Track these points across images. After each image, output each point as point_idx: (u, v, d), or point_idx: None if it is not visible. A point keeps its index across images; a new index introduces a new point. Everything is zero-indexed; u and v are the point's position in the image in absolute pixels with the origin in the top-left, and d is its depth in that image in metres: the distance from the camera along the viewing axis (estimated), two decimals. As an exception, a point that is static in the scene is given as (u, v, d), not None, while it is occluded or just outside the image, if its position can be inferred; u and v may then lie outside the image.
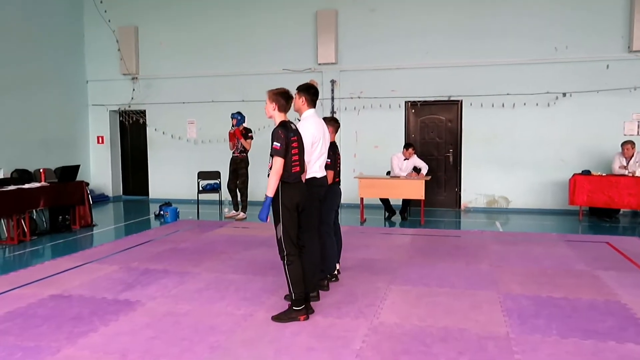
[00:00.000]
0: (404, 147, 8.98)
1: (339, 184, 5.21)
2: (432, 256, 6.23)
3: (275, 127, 3.98)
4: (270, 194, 3.87)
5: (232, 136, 9.01)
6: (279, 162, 3.85)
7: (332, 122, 5.07)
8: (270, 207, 3.92)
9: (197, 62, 11.31)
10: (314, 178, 4.38)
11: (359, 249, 6.66)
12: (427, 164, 9.89)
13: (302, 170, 4.05)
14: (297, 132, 4.02)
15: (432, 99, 10.13)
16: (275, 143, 3.85)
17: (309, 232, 4.23)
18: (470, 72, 9.91)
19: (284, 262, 4.02)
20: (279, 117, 4.04)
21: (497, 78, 9.79)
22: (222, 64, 11.16)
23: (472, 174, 10.12)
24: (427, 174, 8.89)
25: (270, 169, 3.89)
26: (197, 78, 11.34)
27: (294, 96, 4.33)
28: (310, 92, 4.47)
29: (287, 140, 3.89)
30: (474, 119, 10.00)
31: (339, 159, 5.19)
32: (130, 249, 6.75)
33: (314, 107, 4.54)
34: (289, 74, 10.72)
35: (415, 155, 9.04)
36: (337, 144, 5.00)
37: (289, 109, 4.12)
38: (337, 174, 5.17)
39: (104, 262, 6.04)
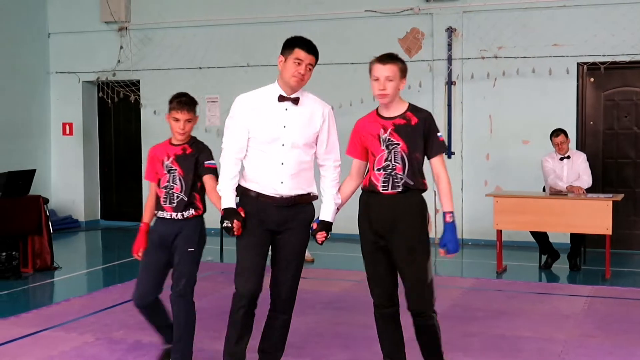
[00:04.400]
0: (552, 135, 8.87)
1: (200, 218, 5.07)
2: (626, 335, 6.02)
3: None
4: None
5: None
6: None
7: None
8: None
9: (224, 2, 11.61)
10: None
11: (492, 317, 6.54)
12: (619, 172, 9.59)
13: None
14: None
15: (627, 58, 9.83)
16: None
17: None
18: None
19: None
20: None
21: None
22: (265, 4, 11.38)
23: (699, 191, 9.70)
24: (601, 191, 8.65)
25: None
26: (223, 27, 11.62)
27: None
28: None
29: None
30: (703, 94, 9.60)
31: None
32: (113, 308, 6.92)
33: None
34: (376, 19, 10.75)
35: (580, 154, 8.89)
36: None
37: None
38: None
39: (70, 328, 6.20)
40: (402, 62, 4.44)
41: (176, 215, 4.81)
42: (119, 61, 12.15)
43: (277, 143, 4.45)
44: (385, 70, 4.35)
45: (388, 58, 4.41)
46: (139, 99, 12.19)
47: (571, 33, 10.00)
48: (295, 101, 4.51)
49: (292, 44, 4.51)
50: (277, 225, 4.50)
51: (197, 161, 4.82)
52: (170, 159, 4.83)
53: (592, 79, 10.18)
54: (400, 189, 4.36)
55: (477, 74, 10.45)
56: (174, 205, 4.80)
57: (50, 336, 6.00)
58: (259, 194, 4.47)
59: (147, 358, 5.40)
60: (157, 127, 12.05)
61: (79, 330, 6.15)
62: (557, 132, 8.89)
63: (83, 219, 12.62)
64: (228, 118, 4.59)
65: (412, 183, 4.37)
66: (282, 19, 11.13)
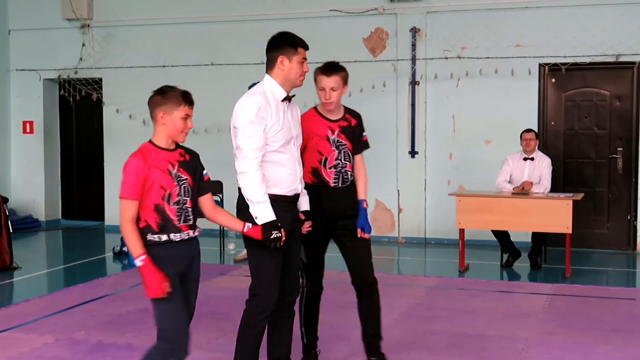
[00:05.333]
0: (523, 131, 9.01)
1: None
2: (586, 333, 6.11)
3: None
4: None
5: None
6: None
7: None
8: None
9: (189, 0, 11.59)
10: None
11: (455, 316, 6.59)
12: (579, 171, 9.75)
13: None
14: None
15: (587, 59, 9.96)
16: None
17: None
18: (654, 14, 9.70)
19: None
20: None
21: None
22: (230, 2, 11.33)
23: (657, 191, 9.87)
24: (560, 191, 8.75)
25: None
26: (187, 26, 11.57)
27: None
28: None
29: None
30: (661, 95, 9.77)
31: None
32: (74, 308, 6.87)
33: None
34: (340, 18, 10.78)
35: (544, 158, 8.98)
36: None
37: None
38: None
39: (30, 329, 6.14)
40: (344, 69, 4.88)
41: (193, 233, 4.06)
42: (81, 59, 12.04)
43: (291, 143, 4.47)
44: (329, 82, 4.78)
45: (331, 69, 4.82)
46: (102, 97, 12.09)
47: (533, 34, 10.11)
48: (290, 99, 4.51)
49: (294, 43, 4.43)
50: (292, 226, 4.47)
51: (198, 170, 4.13)
52: (176, 167, 3.97)
53: (553, 80, 10.30)
54: (348, 183, 4.96)
55: (441, 74, 10.51)
56: (190, 222, 4.02)
57: (10, 337, 5.93)
58: (278, 196, 4.38)
59: (109, 359, 5.37)
60: (120, 126, 11.99)
61: (39, 331, 6.09)
62: (529, 130, 9.03)
63: (44, 219, 12.48)
64: (247, 123, 4.24)
65: (353, 177, 5.01)
66: (247, 18, 11.12)
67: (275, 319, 4.55)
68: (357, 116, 5.06)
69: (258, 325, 4.39)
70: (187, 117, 3.99)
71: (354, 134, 4.98)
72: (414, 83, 10.57)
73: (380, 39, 10.75)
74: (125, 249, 9.35)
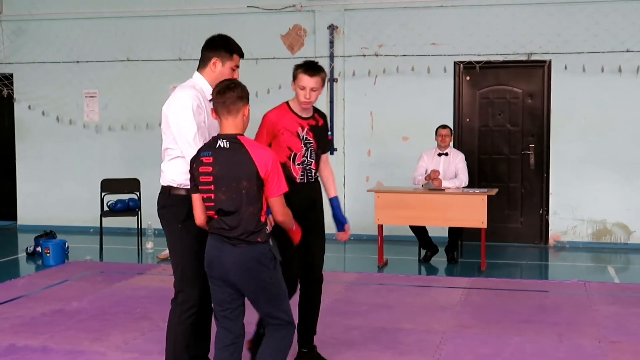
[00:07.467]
0: (439, 127, 9.14)
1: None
2: (500, 324, 6.25)
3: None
4: None
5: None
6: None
7: None
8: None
9: (103, -7, 11.37)
10: None
11: (374, 311, 6.66)
12: (493, 167, 9.93)
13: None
14: None
15: (500, 57, 10.20)
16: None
17: None
18: (564, 15, 9.99)
19: None
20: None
21: (610, 25, 9.87)
22: (144, -4, 11.22)
23: (567, 187, 10.17)
24: (479, 187, 8.89)
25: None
26: (102, 21, 11.35)
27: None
28: None
29: None
30: (571, 93, 10.07)
31: None
32: (-15, 311, 6.69)
33: None
34: (258, 15, 10.75)
35: (458, 153, 9.15)
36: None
37: None
38: None
39: (-61, 333, 5.97)
40: (324, 71, 5.02)
41: None
42: (-10, 54, 11.72)
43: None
44: (311, 82, 4.87)
45: (315, 70, 4.91)
46: (13, 93, 11.77)
47: (448, 33, 10.28)
48: None
49: (231, 49, 4.51)
50: None
51: None
52: None
53: (468, 78, 10.49)
54: (312, 180, 5.07)
55: (359, 72, 10.60)
56: None
57: None
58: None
59: (23, 362, 5.27)
60: (32, 123, 11.71)
61: (-52, 335, 5.91)
62: (444, 126, 9.17)
63: (-49, 219, 12.13)
64: (191, 115, 4.32)
65: (317, 175, 5.15)
66: (164, 13, 10.99)
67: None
68: (324, 116, 5.20)
69: (185, 322, 4.35)
70: None
71: (321, 134, 5.08)
72: (332, 80, 10.63)
73: (298, 36, 10.78)
74: (39, 249, 9.15)
